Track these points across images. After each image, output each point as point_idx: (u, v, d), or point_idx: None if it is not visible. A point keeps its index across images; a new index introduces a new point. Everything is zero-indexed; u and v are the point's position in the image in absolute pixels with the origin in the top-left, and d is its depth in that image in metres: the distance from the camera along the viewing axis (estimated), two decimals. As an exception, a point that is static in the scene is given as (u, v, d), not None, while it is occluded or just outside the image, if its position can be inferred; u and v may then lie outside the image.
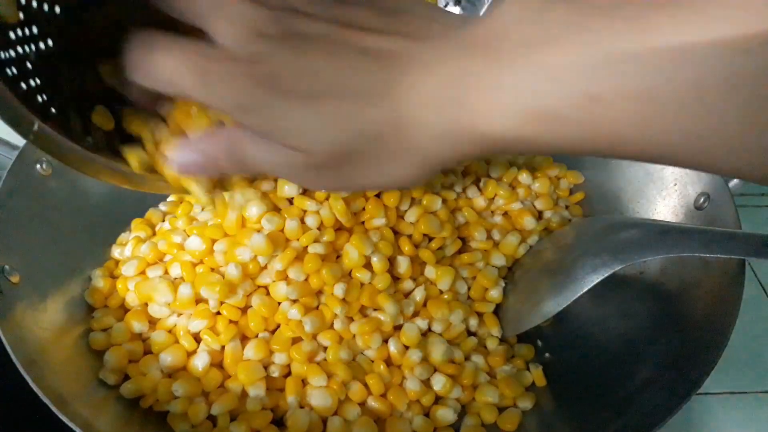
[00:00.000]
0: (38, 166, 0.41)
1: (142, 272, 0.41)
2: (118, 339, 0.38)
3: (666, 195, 0.46)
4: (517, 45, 0.20)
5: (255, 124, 0.23)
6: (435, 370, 0.39)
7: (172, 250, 0.40)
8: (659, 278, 0.42)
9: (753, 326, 0.53)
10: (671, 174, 0.46)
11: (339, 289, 0.37)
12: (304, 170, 0.24)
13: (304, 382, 0.37)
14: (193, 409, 0.36)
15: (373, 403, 0.37)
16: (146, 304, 0.40)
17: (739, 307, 0.35)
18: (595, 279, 0.39)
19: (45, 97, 0.29)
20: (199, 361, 0.37)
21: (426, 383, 0.38)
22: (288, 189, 0.39)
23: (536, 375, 0.40)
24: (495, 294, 0.42)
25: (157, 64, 0.23)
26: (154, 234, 0.45)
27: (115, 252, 0.44)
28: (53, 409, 0.31)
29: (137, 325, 0.39)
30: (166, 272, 0.40)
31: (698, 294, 0.39)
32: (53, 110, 0.29)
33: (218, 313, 0.38)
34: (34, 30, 0.28)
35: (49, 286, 0.39)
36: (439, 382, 0.37)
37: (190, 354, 0.37)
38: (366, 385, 0.37)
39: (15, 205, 0.39)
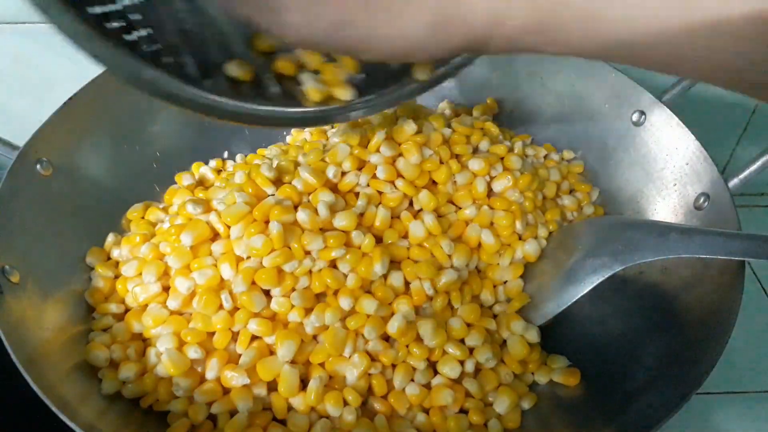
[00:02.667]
0: (38, 166, 0.41)
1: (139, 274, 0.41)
2: (119, 339, 0.38)
3: (666, 195, 0.46)
4: None
5: None
6: (436, 373, 0.39)
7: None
8: (659, 278, 0.42)
9: (753, 326, 0.54)
10: (671, 174, 0.46)
11: (345, 303, 0.38)
12: (319, 15, 0.21)
13: (304, 382, 0.37)
14: (194, 409, 0.36)
15: (375, 404, 0.37)
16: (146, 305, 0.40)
17: (739, 307, 0.36)
18: (596, 280, 0.39)
19: (155, 46, 0.28)
20: (211, 372, 0.37)
21: (426, 386, 0.38)
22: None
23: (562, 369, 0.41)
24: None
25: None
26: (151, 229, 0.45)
27: (115, 252, 0.44)
28: (53, 409, 0.31)
29: (137, 325, 0.39)
30: (165, 272, 0.40)
31: (698, 294, 0.39)
32: (165, 58, 0.28)
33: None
34: None
35: (49, 286, 0.39)
36: (449, 396, 0.37)
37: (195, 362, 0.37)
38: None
39: (15, 205, 0.39)
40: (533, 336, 0.40)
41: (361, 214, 0.41)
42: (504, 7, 0.20)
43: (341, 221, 0.39)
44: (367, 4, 0.21)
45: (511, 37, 0.21)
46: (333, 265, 0.39)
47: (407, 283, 0.40)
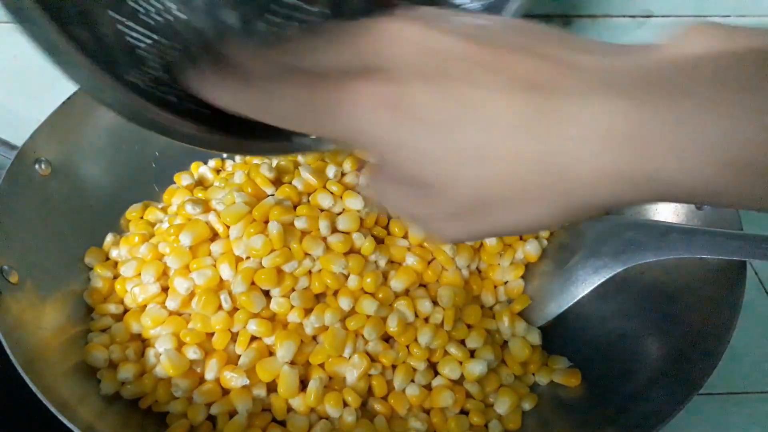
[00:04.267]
0: (37, 166, 0.41)
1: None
2: (117, 339, 0.38)
3: (667, 195, 0.46)
4: (715, 84, 0.18)
5: (392, 158, 0.22)
6: (436, 374, 0.39)
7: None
8: (661, 278, 0.42)
9: (754, 326, 0.53)
10: (672, 174, 0.46)
11: (345, 303, 0.37)
12: (439, 218, 0.23)
13: (303, 383, 0.37)
14: (193, 410, 0.36)
15: (375, 405, 0.37)
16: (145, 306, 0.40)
17: (740, 308, 0.36)
18: (597, 281, 0.39)
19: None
20: (210, 373, 0.37)
21: (427, 387, 0.38)
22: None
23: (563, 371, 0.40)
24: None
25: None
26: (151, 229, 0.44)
27: (113, 252, 0.43)
28: (52, 409, 0.31)
29: (136, 326, 0.39)
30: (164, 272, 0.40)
31: (699, 294, 0.39)
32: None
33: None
34: None
35: (48, 286, 0.39)
36: (449, 398, 0.37)
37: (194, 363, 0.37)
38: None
39: (14, 205, 0.39)
40: (535, 338, 0.40)
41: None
42: (625, 192, 0.20)
43: (344, 224, 0.39)
44: (491, 210, 0.22)
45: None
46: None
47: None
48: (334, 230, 0.39)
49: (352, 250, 0.39)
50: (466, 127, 0.20)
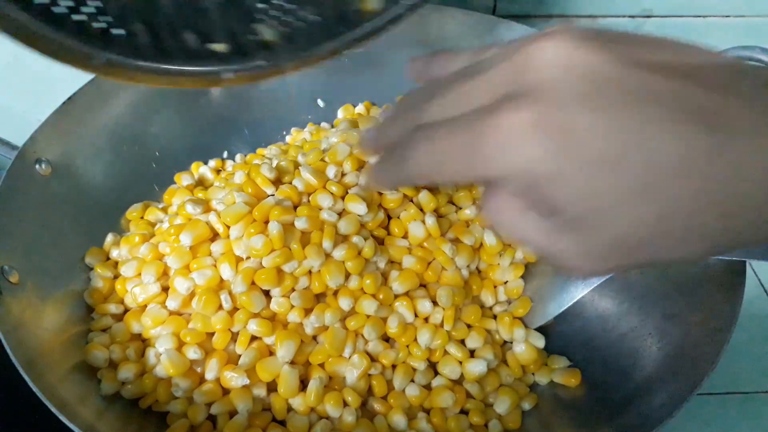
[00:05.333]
0: (37, 165, 0.41)
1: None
2: (118, 339, 0.38)
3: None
4: None
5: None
6: (436, 374, 0.39)
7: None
8: (660, 278, 0.42)
9: (753, 326, 0.53)
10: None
11: (345, 303, 0.37)
12: (581, 252, 0.21)
13: (303, 383, 0.37)
14: (193, 410, 0.36)
15: (375, 405, 0.37)
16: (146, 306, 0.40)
17: (740, 308, 0.35)
18: (597, 281, 0.39)
19: (105, 20, 0.26)
20: (210, 373, 0.37)
21: (427, 387, 0.38)
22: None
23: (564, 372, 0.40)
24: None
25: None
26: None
27: (114, 252, 0.44)
28: (52, 409, 0.31)
29: (136, 326, 0.39)
30: (165, 272, 0.40)
31: (699, 294, 0.39)
32: (117, 32, 0.26)
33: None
34: None
35: (48, 286, 0.39)
36: (449, 398, 0.37)
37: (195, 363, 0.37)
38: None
39: (14, 205, 0.39)
40: (537, 342, 0.41)
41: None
42: None
43: (344, 227, 0.39)
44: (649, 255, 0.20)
45: None
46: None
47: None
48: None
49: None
50: (634, 163, 0.18)
